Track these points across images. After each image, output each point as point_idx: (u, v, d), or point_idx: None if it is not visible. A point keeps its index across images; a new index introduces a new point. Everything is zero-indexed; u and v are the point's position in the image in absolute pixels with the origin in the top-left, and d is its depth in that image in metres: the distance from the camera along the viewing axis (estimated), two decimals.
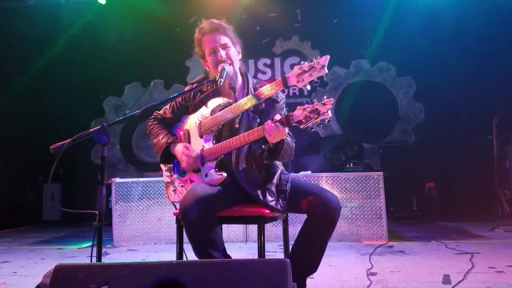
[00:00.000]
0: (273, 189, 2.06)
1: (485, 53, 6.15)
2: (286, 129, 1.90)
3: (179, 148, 2.14)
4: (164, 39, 6.83)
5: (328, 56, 1.85)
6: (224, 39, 2.15)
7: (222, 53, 2.12)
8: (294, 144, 2.12)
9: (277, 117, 1.88)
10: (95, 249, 1.78)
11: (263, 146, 2.02)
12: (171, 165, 2.23)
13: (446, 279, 2.59)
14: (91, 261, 1.80)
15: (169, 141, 2.18)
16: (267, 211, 2.01)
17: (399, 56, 6.63)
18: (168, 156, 2.20)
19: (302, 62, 1.90)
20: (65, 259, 3.76)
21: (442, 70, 6.34)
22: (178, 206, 2.04)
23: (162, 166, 2.30)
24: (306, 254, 2.03)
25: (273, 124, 1.85)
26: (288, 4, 6.65)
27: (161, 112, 2.32)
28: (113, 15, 6.54)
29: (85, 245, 4.44)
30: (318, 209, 1.94)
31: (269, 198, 2.02)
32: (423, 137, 6.56)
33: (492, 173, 5.86)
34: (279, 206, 2.03)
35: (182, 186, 2.18)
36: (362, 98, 6.74)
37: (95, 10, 6.43)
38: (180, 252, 2.12)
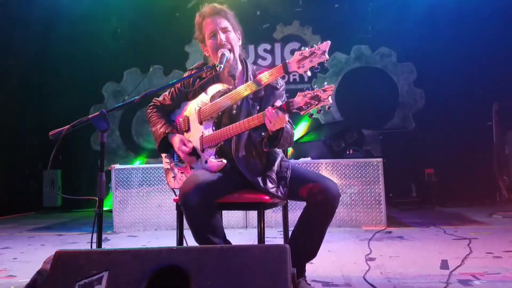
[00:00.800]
0: (273, 176, 2.06)
1: (486, 39, 6.08)
2: (286, 116, 1.88)
3: (175, 142, 2.14)
4: (163, 24, 6.75)
5: (329, 42, 1.82)
6: (225, 23, 2.12)
7: (222, 36, 2.10)
8: (293, 131, 2.11)
9: (278, 103, 1.87)
10: (95, 235, 1.78)
11: (262, 134, 2.01)
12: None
13: (444, 264, 2.61)
14: (91, 247, 1.81)
15: (166, 131, 2.17)
16: (267, 198, 2.01)
17: (400, 42, 6.57)
18: (167, 145, 2.20)
19: (302, 47, 1.87)
20: (66, 245, 3.78)
21: (442, 56, 6.29)
22: (178, 193, 2.04)
23: None
24: (306, 241, 2.04)
25: (273, 111, 1.84)
26: None
27: (160, 98, 2.30)
28: (112, 0, 6.45)
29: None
30: (318, 197, 1.94)
31: (269, 185, 2.02)
32: (423, 124, 6.55)
33: (491, 159, 5.87)
34: (279, 192, 2.03)
35: (182, 172, 2.18)
36: (362, 84, 6.71)
37: None
38: (180, 238, 2.12)
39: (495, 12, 6.00)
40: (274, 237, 3.79)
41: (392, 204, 5.44)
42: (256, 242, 2.08)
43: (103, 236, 1.82)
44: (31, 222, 5.36)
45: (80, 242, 3.89)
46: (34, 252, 3.45)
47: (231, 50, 2.11)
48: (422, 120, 6.61)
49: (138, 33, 6.87)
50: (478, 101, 6.10)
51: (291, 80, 6.71)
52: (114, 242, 3.89)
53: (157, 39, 6.81)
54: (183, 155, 2.11)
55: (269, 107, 1.87)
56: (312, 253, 2.09)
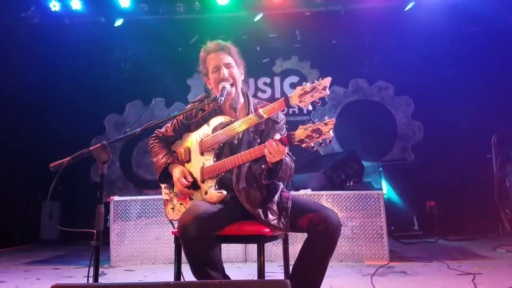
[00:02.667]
0: (274, 208, 2.05)
1: (483, 72, 6.21)
2: (286, 149, 1.90)
3: (176, 173, 2.15)
4: (166, 58, 6.91)
5: (330, 78, 1.87)
6: (228, 59, 2.19)
7: (225, 71, 2.16)
8: (293, 164, 2.12)
9: (277, 136, 1.89)
10: (92, 269, 1.75)
11: (262, 166, 2.02)
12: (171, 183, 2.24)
13: None
14: (87, 281, 1.77)
15: (168, 161, 2.19)
16: (267, 230, 1.99)
17: (397, 75, 6.71)
18: (167, 175, 2.21)
19: (304, 83, 1.91)
20: (62, 279, 3.70)
21: (440, 89, 6.40)
22: (176, 225, 2.02)
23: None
24: (307, 275, 2.00)
25: (273, 143, 1.86)
26: (288, 25, 6.76)
27: (163, 130, 2.34)
28: (116, 34, 6.64)
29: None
30: (319, 227, 1.93)
31: (270, 217, 2.01)
32: (422, 156, 6.57)
33: (492, 191, 5.84)
34: (281, 224, 2.01)
35: (181, 203, 2.17)
36: (361, 116, 6.79)
37: (98, 29, 6.52)
38: (178, 272, 2.09)
39: (491, 44, 6.15)
40: (275, 271, 3.71)
41: (394, 237, 5.36)
42: (255, 277, 2.04)
43: (100, 270, 1.79)
44: (27, 255, 5.26)
45: (76, 276, 3.81)
46: (29, 286, 3.38)
47: (233, 84, 2.17)
48: (421, 152, 6.63)
49: (141, 67, 7.03)
50: (477, 134, 6.14)
51: (290, 112, 6.79)
52: (111, 276, 3.81)
53: (160, 73, 6.95)
54: (180, 187, 2.11)
55: (270, 139, 1.89)
56: None
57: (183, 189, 2.11)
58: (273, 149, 1.87)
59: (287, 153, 2.10)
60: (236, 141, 2.13)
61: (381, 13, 6.22)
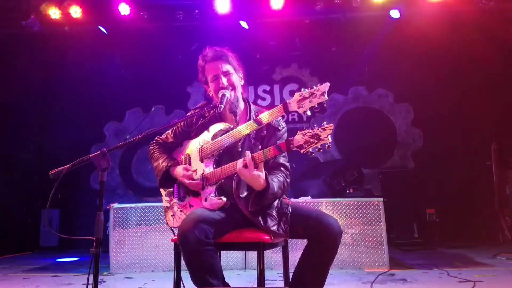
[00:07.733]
0: (274, 214, 2.05)
1: (482, 79, 6.24)
2: (262, 174, 1.90)
3: (179, 171, 2.15)
4: (166, 66, 6.94)
5: (328, 83, 1.87)
6: (226, 67, 2.20)
7: (224, 80, 2.18)
8: (288, 179, 2.10)
9: (248, 155, 1.90)
10: (91, 276, 1.75)
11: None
12: (171, 189, 2.24)
13: None
14: None
15: (169, 164, 2.19)
16: (267, 237, 1.99)
17: (397, 83, 6.73)
18: (168, 180, 2.21)
19: (302, 89, 1.92)
20: (61, 286, 3.68)
21: (439, 96, 6.42)
22: (176, 232, 2.02)
23: (161, 190, 2.30)
24: (307, 282, 2.00)
25: (241, 168, 1.89)
26: (287, 33, 6.80)
27: (163, 136, 2.35)
28: (116, 42, 6.67)
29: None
30: (319, 234, 1.93)
31: (270, 223, 2.00)
32: (422, 163, 6.57)
33: (492, 199, 5.84)
34: (280, 230, 2.01)
35: (181, 211, 2.17)
36: (360, 124, 6.81)
37: (98, 37, 6.56)
38: (177, 280, 2.08)
39: (491, 51, 6.16)
40: (274, 279, 3.70)
41: (394, 244, 5.34)
42: (255, 285, 2.04)
43: (99, 277, 1.79)
44: (26, 263, 5.24)
45: (75, 283, 3.79)
46: None
47: (233, 90, 2.19)
48: (421, 160, 6.64)
49: (140, 74, 7.05)
50: (476, 141, 6.16)
51: (290, 119, 6.82)
52: (110, 283, 3.79)
53: (160, 80, 6.98)
54: (188, 181, 2.10)
55: (241, 166, 1.90)
56: None
57: (192, 182, 2.09)
58: (242, 174, 1.89)
59: (282, 165, 2.10)
60: (237, 147, 2.14)
61: (380, 21, 6.26)
